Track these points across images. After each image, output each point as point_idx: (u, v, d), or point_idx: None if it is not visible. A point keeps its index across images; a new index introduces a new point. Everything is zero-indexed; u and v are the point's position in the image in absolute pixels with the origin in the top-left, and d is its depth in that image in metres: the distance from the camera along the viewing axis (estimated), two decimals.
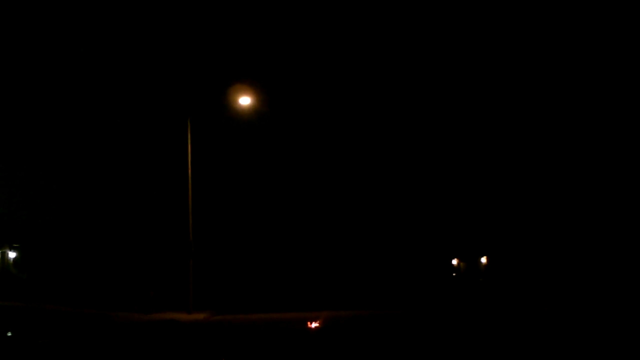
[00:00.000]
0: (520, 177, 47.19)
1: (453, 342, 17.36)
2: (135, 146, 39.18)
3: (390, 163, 45.68)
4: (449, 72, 43.83)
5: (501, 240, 49.04)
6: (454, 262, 56.54)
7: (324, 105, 42.51)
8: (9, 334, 20.19)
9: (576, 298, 32.07)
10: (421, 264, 48.66)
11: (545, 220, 45.59)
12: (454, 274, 55.18)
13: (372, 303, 33.38)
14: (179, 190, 33.21)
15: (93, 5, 38.88)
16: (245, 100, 31.22)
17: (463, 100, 45.66)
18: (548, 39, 42.46)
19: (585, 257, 41.54)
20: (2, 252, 40.59)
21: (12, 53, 38.47)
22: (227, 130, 36.43)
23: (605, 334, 17.77)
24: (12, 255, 40.72)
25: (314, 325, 22.68)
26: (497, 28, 42.81)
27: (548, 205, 45.96)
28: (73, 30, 38.91)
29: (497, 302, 35.13)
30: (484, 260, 55.84)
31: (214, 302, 32.95)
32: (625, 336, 17.09)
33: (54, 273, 37.87)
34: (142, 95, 38.47)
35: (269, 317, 26.12)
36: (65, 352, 16.21)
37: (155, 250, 37.51)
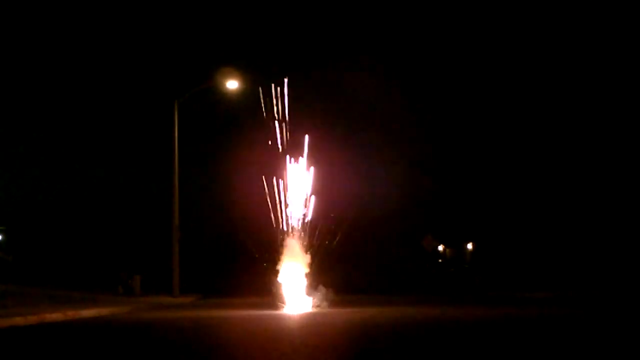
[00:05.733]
0: (506, 162, 47.38)
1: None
2: (121, 130, 39.10)
3: (376, 147, 45.74)
4: (437, 63, 43.90)
5: (487, 226, 49.28)
6: (440, 248, 56.79)
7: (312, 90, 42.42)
8: None
9: (563, 285, 32.32)
10: (406, 249, 48.85)
11: (532, 206, 45.83)
12: (440, 260, 55.43)
13: (355, 287, 33.59)
14: (165, 174, 33.21)
15: None
16: (232, 84, 31.23)
17: (452, 90, 45.74)
18: (545, 38, 42.64)
19: (573, 243, 41.82)
20: None
21: None
22: (214, 113, 36.39)
23: (592, 322, 17.91)
24: None
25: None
26: (496, 27, 42.92)
27: (534, 190, 46.19)
28: (58, 15, 38.64)
29: (482, 288, 35.40)
30: (470, 246, 56.16)
31: (201, 286, 33.04)
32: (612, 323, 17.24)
33: (40, 255, 37.82)
34: (129, 78, 38.34)
35: (255, 301, 26.18)
36: (47, 334, 16.20)
37: (141, 234, 37.50)
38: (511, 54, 43.48)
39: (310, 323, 15.62)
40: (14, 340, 14.58)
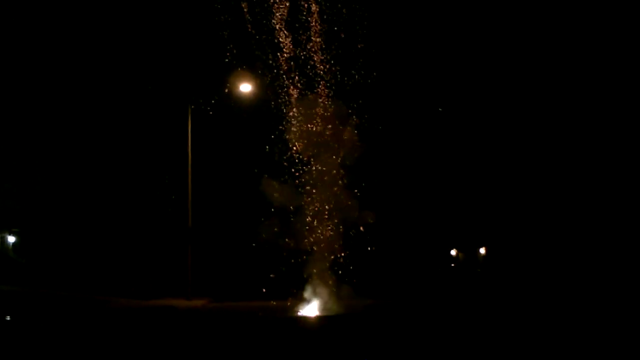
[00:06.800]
0: (518, 167, 47.15)
1: (450, 333, 17.35)
2: (135, 133, 39.13)
3: (389, 153, 45.59)
4: (446, 66, 43.62)
5: (500, 231, 49.06)
6: (453, 252, 56.63)
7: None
8: (8, 317, 20.20)
9: (575, 290, 32.08)
10: (419, 254, 48.66)
11: (545, 211, 45.59)
12: (452, 265, 55.25)
13: (370, 293, 33.41)
14: (179, 177, 33.26)
15: None
16: (246, 87, 31.21)
17: (460, 93, 45.51)
18: (548, 38, 42.36)
19: (585, 248, 41.56)
20: (1, 237, 40.56)
21: (8, 44, 38.28)
22: (228, 116, 36.39)
23: (604, 330, 17.75)
24: (11, 239, 40.69)
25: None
26: (497, 28, 42.66)
27: (547, 195, 45.94)
28: (70, 16, 38.69)
29: (495, 293, 35.19)
30: (482, 251, 55.98)
31: (214, 288, 33.00)
32: (624, 333, 17.07)
33: (53, 258, 37.86)
34: (142, 81, 38.37)
35: (270, 305, 26.08)
36: (62, 336, 16.21)
37: (154, 237, 37.48)
38: (521, 52, 43.20)
39: None
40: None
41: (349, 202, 23.94)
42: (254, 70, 29.58)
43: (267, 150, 25.14)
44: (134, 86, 38.51)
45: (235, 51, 25.91)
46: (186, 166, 32.15)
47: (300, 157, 24.29)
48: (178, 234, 33.12)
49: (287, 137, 24.29)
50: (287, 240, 24.18)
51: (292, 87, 24.62)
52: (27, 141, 39.48)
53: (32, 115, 39.32)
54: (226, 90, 32.16)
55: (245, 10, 24.52)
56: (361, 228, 24.18)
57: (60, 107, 39.59)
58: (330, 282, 23.68)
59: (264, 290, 25.35)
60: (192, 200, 32.12)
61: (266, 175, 24.50)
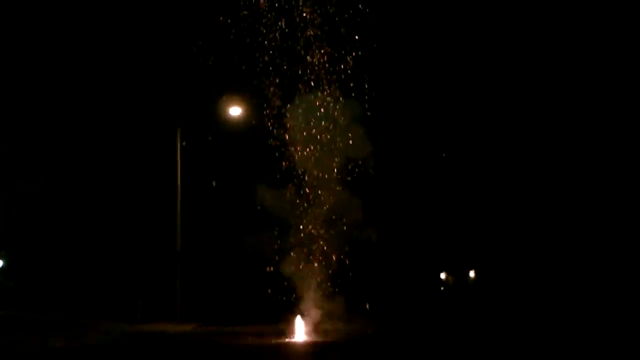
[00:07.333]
0: (508, 191, 47.17)
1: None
2: (124, 155, 39.03)
3: (378, 175, 45.51)
4: (440, 84, 43.60)
5: (490, 254, 49.05)
6: (442, 276, 56.48)
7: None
8: None
9: (565, 313, 32.08)
10: (409, 276, 48.57)
11: (534, 235, 45.61)
12: (442, 288, 55.05)
13: (362, 312, 33.31)
14: (168, 200, 33.13)
15: (83, 10, 38.51)
16: (235, 111, 31.27)
17: (452, 111, 45.44)
18: (542, 39, 42.24)
19: (575, 270, 41.62)
20: None
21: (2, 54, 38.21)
22: (217, 139, 36.40)
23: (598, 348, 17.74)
24: None
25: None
26: (494, 27, 42.46)
27: (536, 219, 45.96)
28: (62, 34, 38.66)
29: (485, 316, 35.16)
30: (472, 274, 55.88)
31: (202, 312, 32.78)
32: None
33: (41, 281, 37.58)
34: (132, 103, 38.33)
35: (259, 330, 25.90)
36: None
37: (143, 260, 37.30)
38: (509, 75, 43.23)
39: None
40: None
41: (354, 218, 23.66)
42: (243, 89, 29.63)
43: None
44: (123, 107, 38.45)
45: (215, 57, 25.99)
46: (175, 188, 32.09)
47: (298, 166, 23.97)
48: (167, 257, 32.92)
49: (285, 144, 24.02)
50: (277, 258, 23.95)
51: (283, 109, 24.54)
52: (12, 162, 39.23)
53: (19, 135, 39.14)
54: (216, 112, 32.24)
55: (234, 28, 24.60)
56: (372, 236, 23.79)
57: (47, 128, 39.43)
58: (324, 304, 23.46)
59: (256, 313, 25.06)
60: (182, 223, 32.02)
61: (263, 185, 24.19)
